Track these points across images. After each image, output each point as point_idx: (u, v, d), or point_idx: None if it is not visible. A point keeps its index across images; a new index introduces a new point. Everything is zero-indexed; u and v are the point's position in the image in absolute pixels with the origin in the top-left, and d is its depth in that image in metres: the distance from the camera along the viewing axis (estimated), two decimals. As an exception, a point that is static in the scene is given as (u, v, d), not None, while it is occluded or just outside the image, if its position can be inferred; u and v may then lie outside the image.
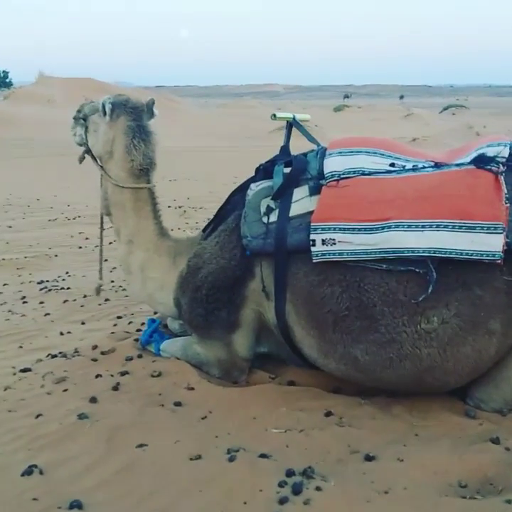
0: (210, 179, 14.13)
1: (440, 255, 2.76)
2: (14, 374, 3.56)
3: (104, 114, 3.61)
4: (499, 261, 2.71)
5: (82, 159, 3.99)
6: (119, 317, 4.60)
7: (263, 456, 2.58)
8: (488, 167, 2.83)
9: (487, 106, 65.61)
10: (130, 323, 4.41)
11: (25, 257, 6.86)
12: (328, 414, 2.97)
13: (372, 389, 3.15)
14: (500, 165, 2.84)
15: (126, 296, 5.20)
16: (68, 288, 5.52)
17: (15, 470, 2.53)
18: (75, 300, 5.13)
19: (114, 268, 6.17)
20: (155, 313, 4.53)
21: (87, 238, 8.04)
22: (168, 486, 2.42)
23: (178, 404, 3.11)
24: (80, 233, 8.39)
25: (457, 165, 2.92)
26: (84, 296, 5.19)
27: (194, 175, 15.05)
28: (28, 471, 2.51)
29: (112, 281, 5.63)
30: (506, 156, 2.87)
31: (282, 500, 2.27)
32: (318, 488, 2.32)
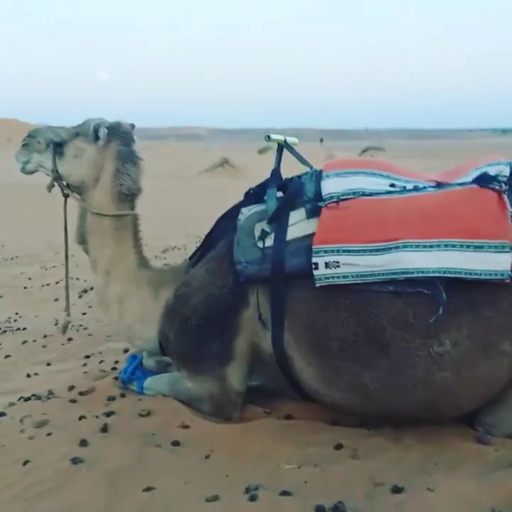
0: (149, 219, 13.90)
1: (450, 275, 2.72)
2: (-14, 419, 3.27)
3: (96, 138, 3.44)
4: (507, 280, 2.69)
5: (51, 187, 3.75)
6: (87, 356, 4.35)
7: (285, 493, 2.42)
8: (492, 186, 2.83)
9: (403, 148, 68.18)
10: (101, 362, 4.17)
11: (-32, 299, 6.48)
12: (339, 447, 2.83)
13: (375, 419, 3.04)
14: (503, 184, 2.84)
15: (90, 334, 4.94)
16: (24, 328, 5.21)
17: (16, 522, 2.27)
18: (34, 341, 4.83)
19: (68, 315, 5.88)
20: (125, 351, 4.31)
21: (30, 278, 7.72)
22: (191, 531, 2.22)
23: (176, 443, 2.91)
24: (22, 273, 8.05)
25: (459, 184, 2.91)
26: (45, 336, 4.91)
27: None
28: (31, 524, 2.25)
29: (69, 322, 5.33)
30: (507, 175, 2.88)
31: (320, 540, 2.11)
32: (356, 524, 2.17)
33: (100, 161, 3.51)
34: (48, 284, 7.22)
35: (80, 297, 6.38)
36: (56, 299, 6.18)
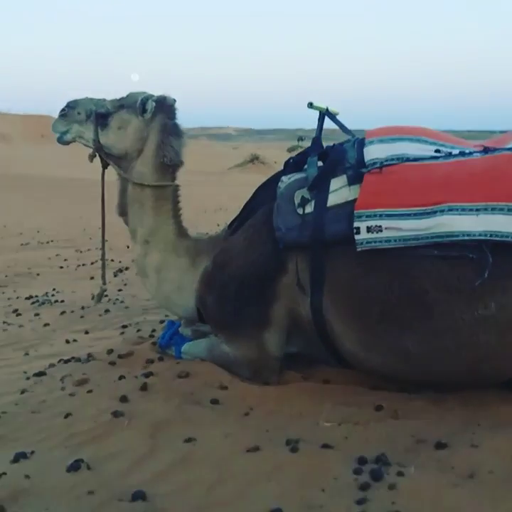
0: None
1: (496, 239, 2.65)
2: (28, 378, 3.35)
3: (144, 112, 3.48)
4: None
5: (93, 157, 3.77)
6: (124, 326, 4.40)
7: (326, 446, 2.41)
8: None
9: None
10: (138, 331, 4.21)
11: (6, 276, 6.58)
12: (379, 408, 2.81)
13: (416, 386, 3.01)
14: None
15: (127, 307, 4.99)
16: (62, 301, 5.29)
17: (59, 466, 2.30)
18: (72, 312, 4.90)
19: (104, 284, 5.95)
20: (161, 322, 4.34)
21: (66, 259, 7.80)
22: (233, 477, 2.22)
23: (215, 402, 2.92)
24: (57, 255, 8.14)
25: (508, 149, 2.86)
26: (82, 308, 4.97)
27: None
28: (75, 466, 2.28)
29: (106, 295, 5.37)
30: None
31: (364, 486, 2.09)
32: (400, 473, 2.16)
33: (145, 133, 3.53)
34: (83, 264, 7.30)
35: (115, 276, 6.44)
36: (92, 278, 6.24)
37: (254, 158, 33.71)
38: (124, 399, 2.92)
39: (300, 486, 2.15)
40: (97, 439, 2.54)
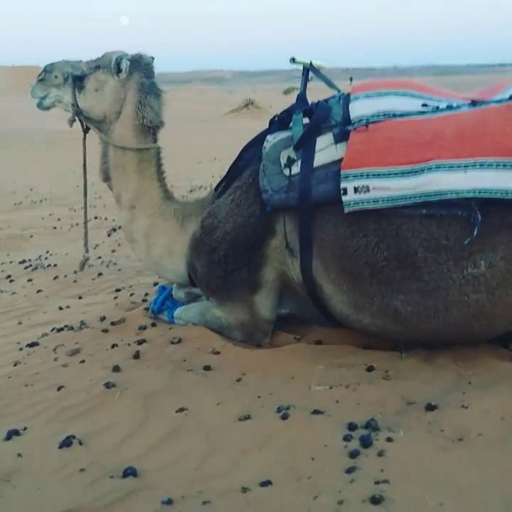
0: (174, 160, 13.85)
1: (485, 195, 2.61)
2: (21, 349, 3.35)
3: (119, 71, 3.38)
4: None
5: (73, 122, 3.69)
6: (117, 290, 4.39)
7: (316, 412, 2.42)
8: None
9: (434, 85, 66.52)
10: (131, 295, 4.20)
11: (0, 239, 6.54)
12: (370, 369, 2.82)
13: (407, 344, 3.01)
14: None
15: (120, 270, 4.98)
16: (55, 265, 5.27)
17: (51, 442, 2.33)
18: (65, 276, 4.89)
19: (97, 245, 5.94)
20: (155, 284, 4.33)
21: (59, 219, 7.76)
22: (225, 448, 2.24)
23: (207, 368, 2.93)
24: (50, 215, 8.10)
25: (496, 102, 2.78)
26: (75, 272, 4.95)
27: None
28: (67, 443, 2.30)
29: (100, 258, 5.36)
30: None
31: (353, 454, 2.10)
32: (389, 439, 2.16)
33: (122, 94, 3.45)
34: (76, 224, 7.26)
35: (108, 235, 6.42)
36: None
37: (249, 103, 33.18)
38: (116, 368, 2.93)
39: (290, 454, 2.16)
40: (89, 413, 2.56)
